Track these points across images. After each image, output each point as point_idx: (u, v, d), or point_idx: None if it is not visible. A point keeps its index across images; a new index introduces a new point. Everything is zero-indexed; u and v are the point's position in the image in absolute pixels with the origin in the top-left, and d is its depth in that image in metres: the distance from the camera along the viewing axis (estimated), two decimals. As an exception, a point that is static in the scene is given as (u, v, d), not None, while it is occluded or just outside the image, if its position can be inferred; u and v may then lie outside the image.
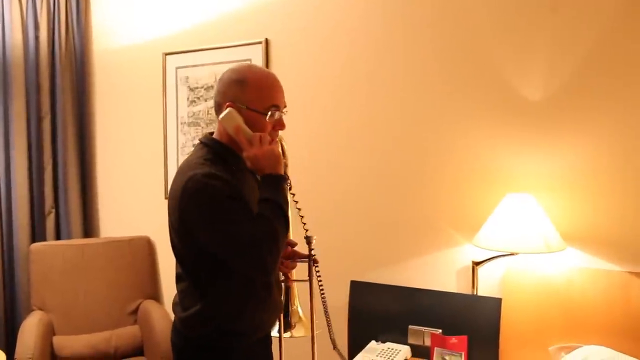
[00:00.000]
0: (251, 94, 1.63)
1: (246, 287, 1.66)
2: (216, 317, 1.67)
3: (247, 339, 1.73)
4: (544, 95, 2.36)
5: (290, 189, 1.73)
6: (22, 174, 3.52)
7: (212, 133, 1.76)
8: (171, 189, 1.65)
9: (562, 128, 2.33)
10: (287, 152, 1.81)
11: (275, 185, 1.62)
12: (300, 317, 1.88)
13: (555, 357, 2.15)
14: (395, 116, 2.70)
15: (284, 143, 1.78)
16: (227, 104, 1.64)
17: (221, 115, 1.64)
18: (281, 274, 1.86)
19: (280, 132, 1.75)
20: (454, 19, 2.54)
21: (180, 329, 1.74)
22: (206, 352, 1.71)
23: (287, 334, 1.86)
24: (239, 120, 1.62)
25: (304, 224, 1.81)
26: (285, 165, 1.77)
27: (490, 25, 2.46)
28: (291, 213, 1.70)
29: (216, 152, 1.68)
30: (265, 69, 1.71)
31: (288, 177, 1.73)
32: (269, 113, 1.65)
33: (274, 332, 1.87)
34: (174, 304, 1.78)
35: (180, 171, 1.64)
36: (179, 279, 1.75)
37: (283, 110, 1.70)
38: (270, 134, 1.67)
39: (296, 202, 1.80)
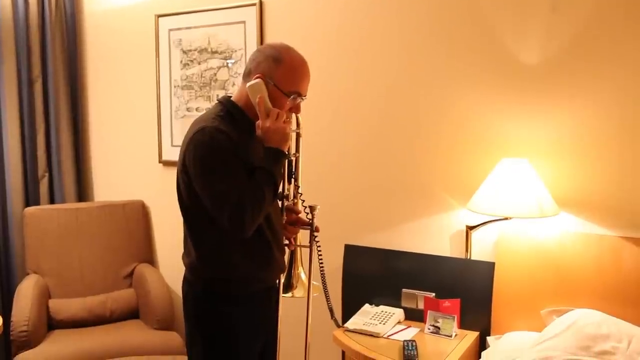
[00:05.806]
0: (282, 75, 1.74)
1: (236, 240, 1.73)
2: (210, 265, 1.80)
3: (245, 289, 1.82)
4: (542, 59, 2.33)
5: (296, 167, 1.88)
6: (15, 137, 3.48)
7: (230, 95, 1.85)
8: (183, 138, 1.76)
9: (559, 92, 2.31)
10: (302, 124, 1.93)
11: (276, 158, 1.74)
12: (302, 280, 1.98)
13: (547, 320, 2.17)
14: (390, 80, 2.67)
15: (299, 116, 1.89)
16: (258, 75, 1.73)
17: (249, 83, 1.74)
18: (285, 238, 1.95)
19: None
20: (452, -20, 2.49)
21: (187, 275, 1.87)
22: (208, 298, 1.81)
23: (289, 294, 1.96)
24: (264, 92, 1.72)
25: (303, 200, 1.94)
26: (299, 135, 1.91)
27: (489, -14, 2.42)
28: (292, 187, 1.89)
29: (229, 111, 1.78)
30: (301, 56, 1.79)
31: (298, 153, 1.89)
32: (292, 96, 1.76)
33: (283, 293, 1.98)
34: (182, 254, 1.89)
35: (194, 123, 1.77)
36: (184, 228, 1.85)
37: (303, 98, 1.81)
38: (286, 113, 1.78)
39: (296, 180, 1.91)
